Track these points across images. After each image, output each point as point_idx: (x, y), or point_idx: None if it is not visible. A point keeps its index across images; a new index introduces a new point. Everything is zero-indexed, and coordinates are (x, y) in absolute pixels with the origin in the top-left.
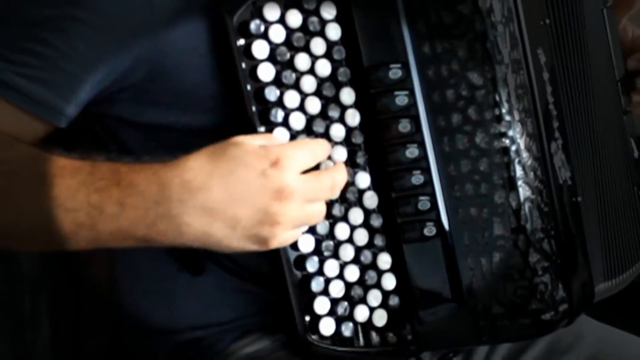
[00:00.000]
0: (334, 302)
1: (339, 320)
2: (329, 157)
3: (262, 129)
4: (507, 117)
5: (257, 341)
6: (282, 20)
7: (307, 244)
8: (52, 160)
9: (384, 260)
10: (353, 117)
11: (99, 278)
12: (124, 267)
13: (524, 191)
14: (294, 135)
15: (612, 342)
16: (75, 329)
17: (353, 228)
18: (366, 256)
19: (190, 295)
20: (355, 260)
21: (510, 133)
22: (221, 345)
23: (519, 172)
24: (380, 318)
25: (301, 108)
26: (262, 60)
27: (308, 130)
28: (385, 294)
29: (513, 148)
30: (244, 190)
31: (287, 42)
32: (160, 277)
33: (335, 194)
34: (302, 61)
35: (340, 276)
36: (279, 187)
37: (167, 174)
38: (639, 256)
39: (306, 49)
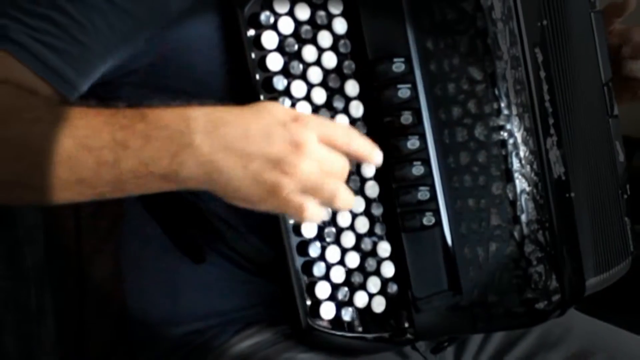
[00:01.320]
0: (335, 287)
1: (339, 305)
2: None
3: None
4: (506, 111)
5: (259, 333)
6: (291, 13)
7: (309, 230)
8: (75, 106)
9: (384, 248)
10: (357, 109)
11: (103, 272)
12: (127, 260)
13: (520, 183)
14: None
15: (601, 336)
16: (79, 322)
17: (354, 216)
18: (366, 244)
19: (193, 286)
20: (356, 248)
21: (508, 126)
22: (223, 338)
23: (516, 164)
24: (379, 304)
25: (307, 98)
26: (271, 51)
27: None
28: (384, 281)
29: (511, 141)
30: (263, 134)
31: (296, 34)
32: (163, 269)
33: (343, 177)
34: (309, 53)
35: (341, 262)
36: (297, 140)
37: (195, 111)
38: (623, 257)
39: (313, 41)
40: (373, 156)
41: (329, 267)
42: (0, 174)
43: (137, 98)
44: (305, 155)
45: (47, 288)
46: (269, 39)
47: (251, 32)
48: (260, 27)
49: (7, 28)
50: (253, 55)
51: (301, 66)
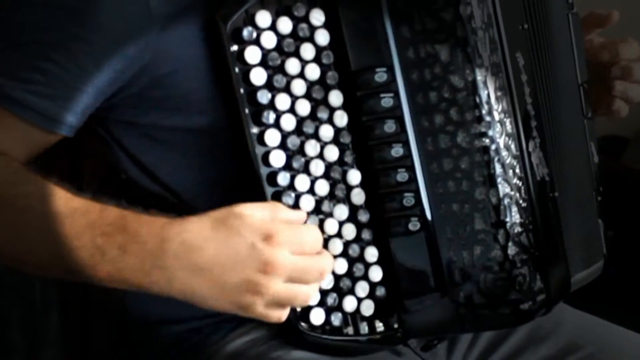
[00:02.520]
0: (324, 293)
1: (329, 311)
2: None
3: (254, 129)
4: (487, 118)
5: (254, 330)
6: (273, 27)
7: None
8: (65, 200)
9: (371, 254)
10: (341, 118)
11: None
12: None
13: (503, 188)
14: (285, 136)
15: (590, 329)
16: (83, 317)
17: (341, 223)
18: (354, 249)
19: None
20: (344, 254)
21: (490, 133)
22: (219, 335)
23: (498, 169)
24: (368, 308)
25: (292, 110)
26: (254, 65)
27: (298, 131)
28: (372, 285)
29: (493, 147)
30: (233, 258)
31: (278, 48)
32: None
33: (323, 278)
34: (292, 66)
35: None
36: (265, 260)
37: (170, 231)
38: (600, 256)
39: (296, 54)
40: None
41: None
42: (3, 249)
43: (130, 117)
44: (274, 274)
45: (52, 283)
46: (252, 54)
47: (234, 48)
48: (243, 42)
49: (5, 87)
50: (237, 70)
51: (285, 79)
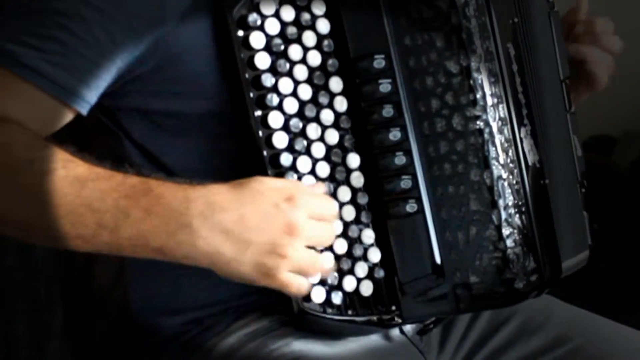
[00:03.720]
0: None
1: (329, 289)
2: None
3: (258, 112)
4: (481, 102)
5: (255, 321)
6: (277, 15)
7: None
8: (87, 166)
9: (369, 235)
10: (341, 104)
11: (108, 265)
12: (130, 257)
13: (497, 170)
14: (287, 119)
15: (579, 322)
16: (86, 312)
17: (341, 205)
18: (353, 231)
19: (191, 277)
20: (344, 235)
21: (484, 116)
22: (221, 326)
23: (492, 152)
24: (367, 288)
25: (294, 94)
26: (258, 50)
27: (300, 115)
28: (371, 267)
29: (487, 130)
30: (258, 218)
31: (282, 35)
32: (163, 264)
33: (332, 240)
34: (295, 52)
35: (330, 249)
36: (289, 221)
37: (195, 192)
38: (584, 246)
39: (299, 41)
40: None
41: None
42: (11, 215)
43: (141, 103)
44: (298, 236)
45: (56, 279)
46: (257, 39)
47: (240, 33)
48: (248, 29)
49: (18, 54)
50: (242, 55)
51: (287, 64)
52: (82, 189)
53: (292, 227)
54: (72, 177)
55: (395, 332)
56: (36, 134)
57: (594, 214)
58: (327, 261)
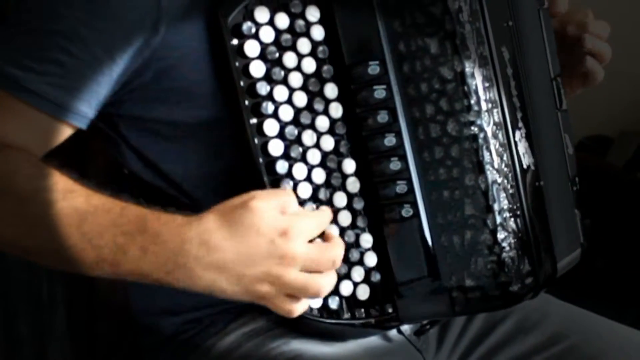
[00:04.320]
0: None
1: (326, 294)
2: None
3: (254, 120)
4: (476, 107)
5: (253, 321)
6: (271, 22)
7: None
8: (86, 197)
9: (366, 240)
10: (336, 110)
11: None
12: None
13: (491, 174)
14: (283, 127)
15: (575, 320)
16: (89, 311)
17: (337, 211)
18: (349, 236)
19: None
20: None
21: (479, 122)
22: (219, 326)
23: (486, 156)
24: (364, 292)
25: (289, 101)
26: (253, 59)
27: (296, 122)
28: (368, 271)
29: (481, 135)
30: (253, 254)
31: (276, 42)
32: None
33: (336, 267)
34: (289, 59)
35: None
36: (283, 253)
37: (189, 232)
38: (577, 244)
39: (293, 48)
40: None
41: None
42: (20, 242)
43: (139, 112)
44: (291, 265)
45: (59, 280)
46: (252, 48)
47: (234, 42)
48: (242, 37)
49: (18, 77)
50: (237, 64)
51: (282, 72)
52: (82, 223)
53: (285, 258)
54: (72, 209)
55: (392, 331)
56: (38, 161)
57: (590, 213)
58: (328, 282)
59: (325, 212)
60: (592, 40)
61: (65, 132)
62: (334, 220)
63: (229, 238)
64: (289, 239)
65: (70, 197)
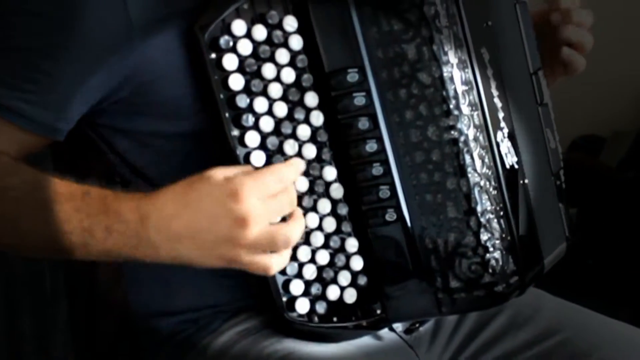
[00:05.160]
0: (308, 283)
1: (313, 300)
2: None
3: (235, 132)
4: (455, 112)
5: (247, 320)
6: (248, 35)
7: None
8: (50, 187)
9: (352, 244)
10: (317, 118)
11: (108, 264)
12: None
13: (472, 177)
14: (264, 137)
15: (567, 315)
16: (90, 307)
17: (322, 217)
18: (335, 241)
19: (186, 280)
20: (326, 246)
21: (459, 126)
22: (215, 325)
23: (467, 160)
24: (351, 296)
25: (270, 112)
26: (232, 72)
27: (277, 132)
28: (354, 274)
29: (461, 139)
30: (207, 219)
31: (254, 54)
32: (158, 267)
33: (294, 205)
34: (268, 70)
35: (312, 260)
36: (238, 216)
37: (147, 206)
38: (562, 239)
39: (272, 59)
40: (300, 167)
41: (301, 265)
42: None
43: (119, 123)
44: (250, 224)
45: (61, 274)
46: (230, 61)
47: (213, 56)
48: (220, 51)
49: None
50: (216, 77)
51: (262, 83)
52: (50, 214)
53: (241, 220)
54: (41, 202)
55: (384, 330)
56: (7, 159)
57: (583, 212)
58: (296, 231)
59: (291, 162)
60: (572, 30)
61: (41, 143)
62: (319, 227)
63: (184, 206)
64: (239, 200)
65: (38, 191)
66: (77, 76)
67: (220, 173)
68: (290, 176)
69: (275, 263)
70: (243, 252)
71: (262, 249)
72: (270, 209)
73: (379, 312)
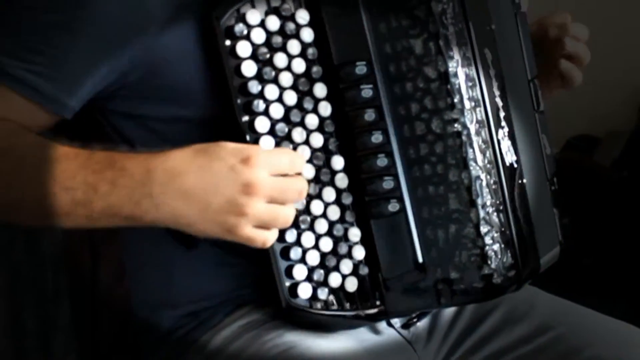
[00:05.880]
0: (311, 269)
1: (316, 286)
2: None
3: (245, 117)
4: (459, 105)
5: (249, 314)
6: (262, 25)
7: None
8: (55, 147)
9: (354, 234)
10: (325, 109)
11: (111, 259)
12: (128, 250)
13: (474, 170)
14: (274, 124)
15: (562, 311)
16: (92, 304)
17: (327, 205)
18: (338, 230)
19: (186, 272)
20: (329, 233)
21: (462, 119)
22: (216, 319)
23: (470, 153)
24: (352, 284)
25: (280, 100)
26: (245, 59)
27: (286, 120)
28: (356, 264)
29: (464, 132)
30: (215, 180)
31: (267, 43)
32: (159, 257)
33: (301, 198)
34: (280, 60)
35: (316, 247)
36: (246, 181)
37: (154, 161)
38: (556, 242)
39: (284, 49)
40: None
41: (304, 251)
42: None
43: (128, 108)
44: (256, 194)
45: (63, 272)
46: (244, 48)
47: (227, 43)
48: (235, 38)
49: (4, 64)
50: (230, 64)
51: (273, 72)
52: (54, 171)
53: (248, 186)
54: (45, 158)
55: (382, 324)
56: (14, 125)
57: (577, 212)
58: (291, 213)
59: (291, 152)
60: (571, 42)
61: (49, 120)
62: (324, 214)
63: (192, 164)
64: (250, 166)
65: (41, 149)
66: (90, 55)
67: (233, 144)
68: (301, 164)
69: (270, 237)
70: (243, 222)
71: (262, 224)
72: (276, 186)
73: (377, 303)
